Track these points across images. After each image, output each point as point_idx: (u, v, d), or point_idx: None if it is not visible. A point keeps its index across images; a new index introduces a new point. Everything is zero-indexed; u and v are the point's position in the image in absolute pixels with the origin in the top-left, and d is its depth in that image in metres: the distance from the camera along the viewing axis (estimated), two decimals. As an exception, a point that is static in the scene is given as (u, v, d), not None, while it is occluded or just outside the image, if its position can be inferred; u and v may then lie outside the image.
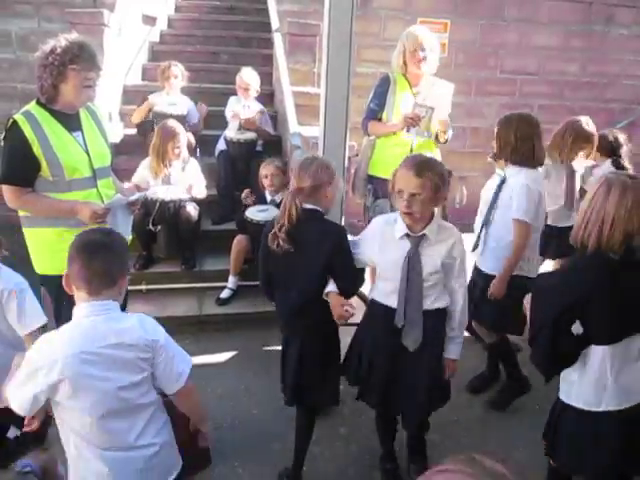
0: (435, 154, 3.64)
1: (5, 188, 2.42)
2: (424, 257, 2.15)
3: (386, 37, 6.04)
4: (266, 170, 3.94)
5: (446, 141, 3.60)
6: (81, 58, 2.40)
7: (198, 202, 4.05)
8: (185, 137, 4.00)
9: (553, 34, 6.40)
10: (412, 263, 2.15)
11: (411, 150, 3.53)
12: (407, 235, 2.16)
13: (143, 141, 4.47)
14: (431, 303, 2.20)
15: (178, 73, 4.50)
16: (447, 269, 2.19)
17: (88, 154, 2.53)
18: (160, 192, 3.85)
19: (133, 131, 4.65)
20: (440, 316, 2.25)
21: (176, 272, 4.04)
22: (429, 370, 2.24)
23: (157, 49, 5.86)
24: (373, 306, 2.33)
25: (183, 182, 4.02)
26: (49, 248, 2.53)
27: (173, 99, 4.50)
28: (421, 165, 2.11)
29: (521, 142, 2.74)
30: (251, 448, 2.74)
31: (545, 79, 6.52)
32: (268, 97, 5.32)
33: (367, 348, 2.32)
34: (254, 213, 3.87)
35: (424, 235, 2.15)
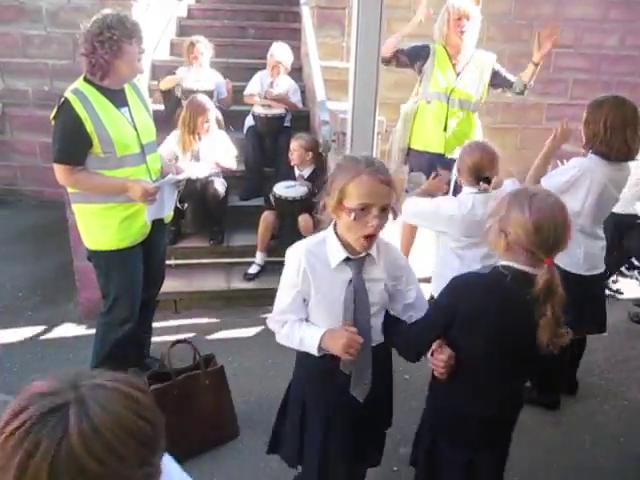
0: (474, 127, 3.68)
1: (57, 167, 2.44)
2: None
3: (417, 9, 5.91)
4: (291, 145, 3.96)
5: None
6: (136, 32, 2.44)
7: (226, 178, 4.06)
8: (214, 112, 4.00)
9: (591, 5, 6.15)
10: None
11: (446, 123, 3.56)
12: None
13: (171, 117, 4.48)
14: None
15: (204, 49, 4.46)
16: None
17: (136, 129, 2.54)
18: (187, 170, 3.86)
19: (161, 107, 4.66)
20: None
21: (204, 247, 4.08)
22: None
23: (185, 24, 5.83)
24: None
25: (212, 158, 4.02)
26: (99, 223, 2.56)
27: (201, 75, 4.48)
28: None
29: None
30: (278, 421, 2.78)
31: (581, 52, 6.29)
32: (296, 72, 5.26)
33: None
34: (281, 189, 3.87)
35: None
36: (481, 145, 2.53)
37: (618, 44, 6.30)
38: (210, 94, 4.38)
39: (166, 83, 4.46)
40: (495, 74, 3.70)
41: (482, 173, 2.45)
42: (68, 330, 3.49)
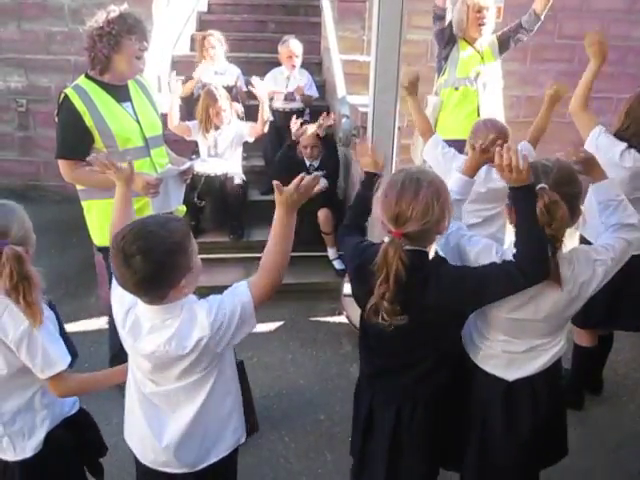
0: (500, 109, 3.67)
1: (60, 162, 2.47)
2: None
3: (438, 2, 5.83)
4: (304, 142, 3.91)
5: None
6: (137, 28, 2.43)
7: (246, 173, 4.06)
8: (227, 102, 3.97)
9: (617, -5, 6.02)
10: None
11: (478, 106, 3.56)
12: None
13: (191, 114, 4.48)
14: None
15: (215, 43, 4.39)
16: None
17: (139, 123, 2.55)
18: (206, 166, 3.86)
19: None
20: None
21: (224, 242, 4.09)
22: None
23: (205, 19, 5.84)
24: None
25: (231, 149, 4.01)
26: (106, 219, 2.56)
27: (219, 68, 4.45)
28: None
29: None
30: (298, 417, 2.78)
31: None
32: (316, 66, 5.24)
33: None
34: (301, 183, 3.85)
35: None
36: (491, 123, 2.60)
37: (645, 35, 6.14)
38: (230, 89, 4.37)
39: (186, 88, 4.42)
40: (501, 37, 3.70)
41: None
42: (90, 324, 3.52)
